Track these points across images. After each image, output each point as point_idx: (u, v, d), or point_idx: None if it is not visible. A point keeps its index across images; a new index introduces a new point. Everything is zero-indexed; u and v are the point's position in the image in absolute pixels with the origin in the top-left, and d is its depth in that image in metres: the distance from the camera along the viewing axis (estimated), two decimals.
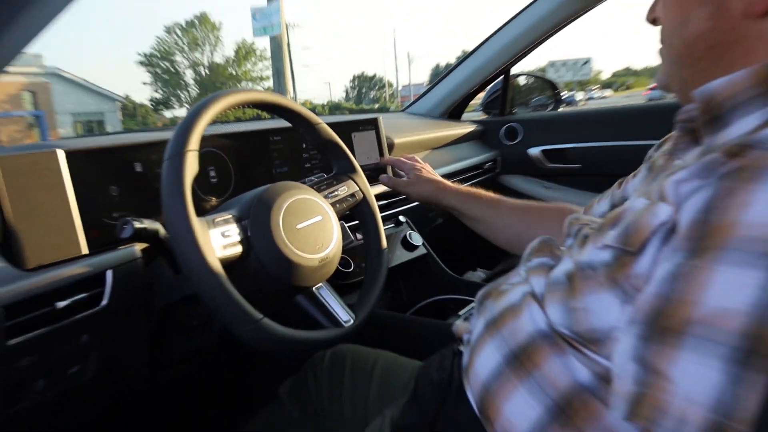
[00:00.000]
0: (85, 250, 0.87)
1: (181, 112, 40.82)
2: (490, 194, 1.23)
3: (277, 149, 1.28)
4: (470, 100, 2.11)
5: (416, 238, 1.51)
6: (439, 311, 1.47)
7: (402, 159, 1.40)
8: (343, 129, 1.37)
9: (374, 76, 62.59)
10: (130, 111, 39.50)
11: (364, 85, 62.43)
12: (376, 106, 51.47)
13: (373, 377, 0.98)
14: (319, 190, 1.00)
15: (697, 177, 0.50)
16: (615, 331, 0.55)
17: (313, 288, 0.93)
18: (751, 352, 0.42)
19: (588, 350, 0.58)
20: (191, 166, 0.79)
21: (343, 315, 0.94)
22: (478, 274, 1.72)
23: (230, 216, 0.86)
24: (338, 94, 63.20)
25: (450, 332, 1.10)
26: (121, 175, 0.97)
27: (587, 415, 0.57)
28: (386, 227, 1.45)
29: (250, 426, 1.07)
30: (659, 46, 0.71)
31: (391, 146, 1.55)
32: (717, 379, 0.42)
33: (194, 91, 40.58)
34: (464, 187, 1.25)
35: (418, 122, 1.91)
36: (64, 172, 0.87)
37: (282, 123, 1.27)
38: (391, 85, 57.88)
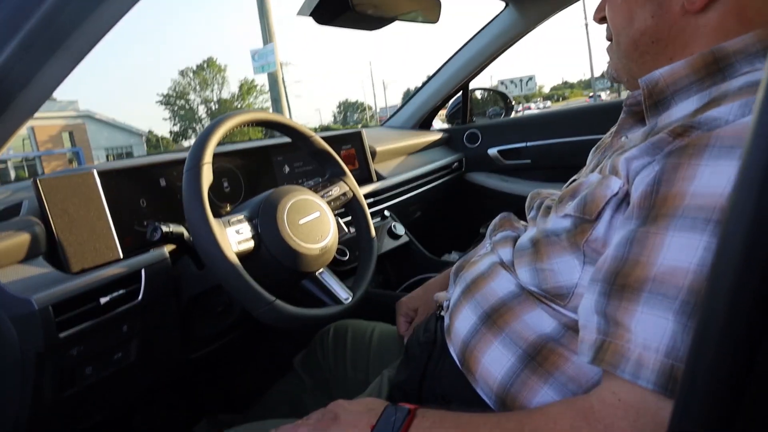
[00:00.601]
0: (120, 254, 0.86)
1: None
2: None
3: (278, 161, 1.26)
4: (437, 112, 2.11)
5: (399, 229, 1.50)
6: None
7: (403, 308, 1.01)
8: (332, 142, 1.35)
9: (356, 101, 62.51)
10: (154, 143, 39.09)
11: (348, 109, 62.27)
12: (360, 126, 51.37)
13: (371, 345, 0.97)
14: (315, 191, 0.99)
15: (646, 154, 0.50)
16: (578, 287, 0.55)
17: (316, 273, 0.93)
18: (697, 305, 0.41)
19: (555, 304, 0.58)
20: (207, 176, 0.79)
21: (343, 294, 0.93)
22: (453, 256, 1.72)
23: (242, 216, 0.85)
24: (327, 118, 62.96)
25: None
26: (148, 190, 0.96)
27: (554, 360, 0.56)
28: (373, 221, 1.44)
29: (271, 393, 1.06)
30: (607, 43, 0.69)
31: (374, 154, 1.55)
32: (669, 329, 0.42)
33: (206, 123, 40.19)
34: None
35: (395, 133, 1.90)
36: (99, 189, 0.85)
37: (281, 140, 1.26)
38: (370, 108, 57.85)
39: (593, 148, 0.83)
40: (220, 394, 1.33)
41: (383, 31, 1.31)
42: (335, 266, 1.18)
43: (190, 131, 40.50)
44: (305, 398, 1.00)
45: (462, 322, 0.66)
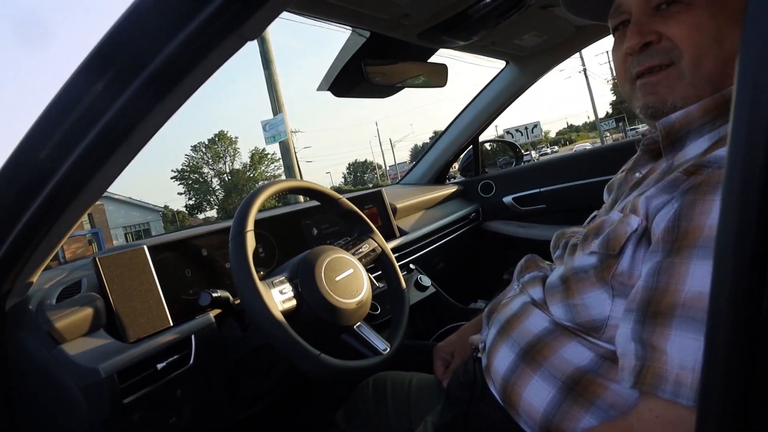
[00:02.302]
0: (170, 321, 0.92)
1: (211, 213, 41.25)
2: None
3: (306, 224, 1.34)
4: (450, 166, 2.21)
5: (425, 280, 1.55)
6: None
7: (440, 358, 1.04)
8: (354, 202, 1.44)
9: (365, 161, 63.75)
10: (170, 217, 39.90)
11: (358, 169, 63.46)
12: (371, 185, 52.11)
13: (410, 394, 1.00)
14: (347, 249, 1.06)
15: (664, 192, 0.55)
16: (611, 319, 0.59)
17: (354, 326, 0.98)
18: None
19: (590, 337, 0.62)
20: (250, 242, 0.86)
21: (381, 345, 0.98)
22: (480, 304, 1.75)
23: (284, 277, 0.92)
24: (338, 180, 64.10)
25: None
26: (191, 259, 1.03)
27: (594, 390, 0.59)
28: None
29: None
30: (661, 67, 0.63)
31: (395, 210, 1.62)
32: (700, 348, 0.46)
33: (221, 194, 41.15)
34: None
35: (412, 189, 1.99)
36: (149, 263, 0.93)
37: (308, 205, 1.34)
38: (380, 167, 58.84)
39: (606, 186, 0.89)
40: None
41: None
42: (369, 321, 1.23)
43: (205, 204, 41.38)
44: None
45: (501, 361, 0.70)
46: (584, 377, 0.61)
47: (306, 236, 1.33)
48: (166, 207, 39.83)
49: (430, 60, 1.42)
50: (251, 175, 41.42)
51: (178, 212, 41.74)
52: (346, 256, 1.01)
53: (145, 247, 0.94)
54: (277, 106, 9.64)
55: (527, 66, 1.80)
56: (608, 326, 0.60)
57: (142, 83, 0.62)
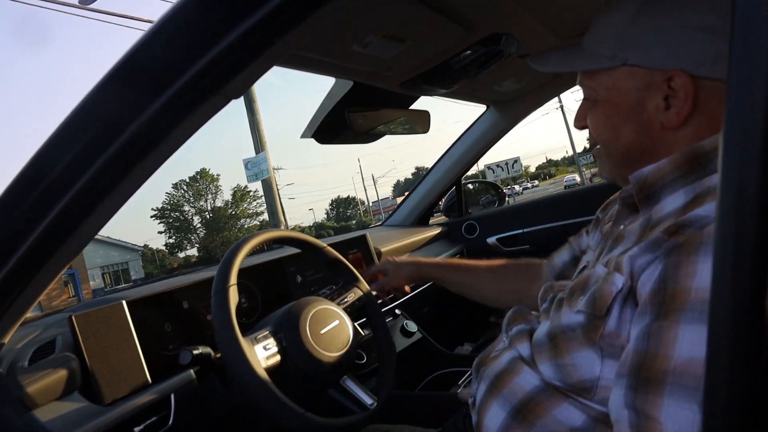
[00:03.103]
0: (149, 379, 0.89)
1: (192, 251, 40.73)
2: (465, 261, 1.24)
3: (290, 271, 1.33)
4: (433, 208, 2.22)
5: (412, 326, 1.53)
6: (441, 384, 1.47)
7: (374, 265, 1.32)
8: (338, 247, 1.43)
9: (348, 197, 63.96)
10: (149, 257, 39.31)
11: (341, 205, 63.56)
12: (353, 222, 52.20)
13: None
14: (332, 299, 1.05)
15: (647, 251, 0.55)
16: (601, 380, 0.58)
17: (340, 381, 0.96)
18: None
19: (581, 398, 0.61)
20: (233, 297, 0.84)
21: (368, 399, 0.95)
22: (466, 348, 1.73)
23: (267, 332, 0.90)
24: (320, 216, 64.01)
25: (453, 399, 1.12)
26: (172, 312, 1.01)
27: None
28: (386, 320, 1.47)
29: None
30: (596, 146, 0.75)
31: (379, 255, 1.62)
32: (697, 420, 0.45)
33: (202, 232, 40.77)
34: (440, 259, 1.23)
35: (396, 232, 1.99)
36: (128, 319, 0.90)
37: (292, 251, 1.33)
38: (363, 203, 59.10)
39: (589, 228, 0.90)
40: None
41: None
42: (354, 370, 1.21)
43: (185, 242, 40.90)
44: None
45: (492, 420, 0.69)
46: None
47: (290, 284, 1.32)
48: (145, 246, 39.36)
49: (412, 106, 1.44)
50: (233, 212, 41.24)
51: (158, 251, 41.17)
52: (331, 307, 1.00)
53: (124, 303, 0.92)
54: (259, 145, 9.68)
55: (508, 110, 1.84)
56: (599, 387, 0.59)
57: (122, 144, 0.61)
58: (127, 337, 0.89)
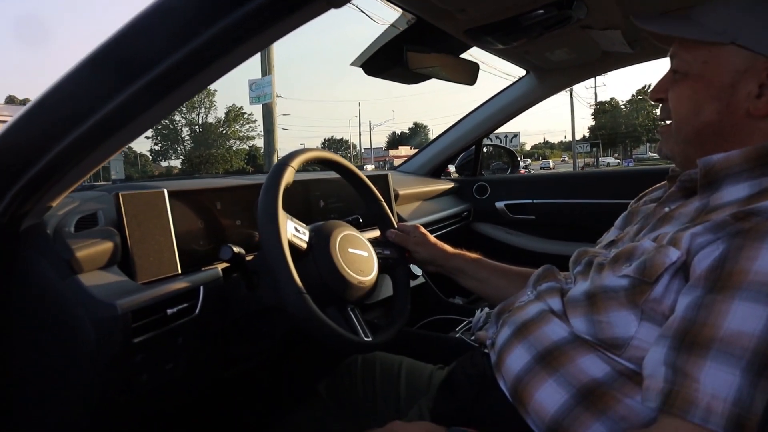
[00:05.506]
0: (179, 269, 0.91)
1: (175, 162, 40.17)
2: (488, 260, 1.18)
3: (315, 196, 1.35)
4: (448, 163, 2.24)
5: (417, 270, 1.57)
6: (435, 328, 1.54)
7: (409, 225, 1.25)
8: None
9: (341, 138, 63.32)
10: (132, 160, 38.69)
11: (333, 146, 62.90)
12: None
13: (400, 378, 1.03)
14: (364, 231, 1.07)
15: (710, 232, 0.59)
16: (634, 340, 0.62)
17: (347, 308, 0.96)
18: (762, 365, 0.50)
19: (610, 353, 0.65)
20: (288, 176, 0.90)
21: (363, 335, 0.94)
22: (458, 300, 1.80)
23: (304, 225, 0.95)
24: None
25: (454, 342, 1.18)
26: (205, 211, 1.02)
27: (607, 401, 0.63)
28: None
29: (295, 416, 1.10)
30: (665, 122, 0.75)
31: (396, 196, 1.64)
32: (736, 383, 0.50)
33: (189, 145, 40.12)
34: (464, 252, 1.19)
35: (410, 179, 2.01)
36: (168, 207, 0.92)
37: (321, 175, 1.34)
38: (354, 147, 58.53)
39: (624, 214, 0.92)
40: (245, 414, 1.35)
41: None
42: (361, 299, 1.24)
43: (170, 152, 40.27)
44: (330, 423, 1.04)
45: (515, 360, 0.73)
46: (599, 389, 0.64)
47: (312, 207, 1.33)
48: (129, 148, 38.55)
49: (462, 56, 1.43)
50: (224, 131, 40.53)
51: (141, 155, 40.52)
52: (364, 240, 1.02)
53: (166, 192, 0.93)
54: (267, 67, 9.45)
55: (547, 79, 1.83)
56: (630, 346, 0.63)
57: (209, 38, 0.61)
58: (165, 224, 0.91)
